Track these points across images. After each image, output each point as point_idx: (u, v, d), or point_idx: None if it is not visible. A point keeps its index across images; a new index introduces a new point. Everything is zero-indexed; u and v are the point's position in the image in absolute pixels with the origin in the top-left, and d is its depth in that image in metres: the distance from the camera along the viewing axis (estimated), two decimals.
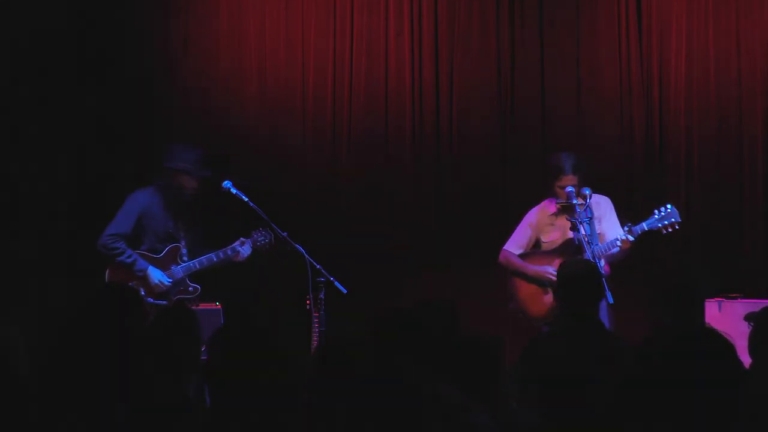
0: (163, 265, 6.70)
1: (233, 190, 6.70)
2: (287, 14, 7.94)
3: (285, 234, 6.65)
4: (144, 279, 6.59)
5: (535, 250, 6.83)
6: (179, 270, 6.71)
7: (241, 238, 6.77)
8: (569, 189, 6.58)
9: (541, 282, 6.69)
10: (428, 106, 7.94)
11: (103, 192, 7.66)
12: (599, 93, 7.89)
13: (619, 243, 6.51)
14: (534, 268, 6.71)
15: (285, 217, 6.98)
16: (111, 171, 7.68)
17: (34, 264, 7.52)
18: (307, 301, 6.52)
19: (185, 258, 6.75)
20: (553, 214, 6.80)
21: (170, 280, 6.67)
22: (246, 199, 6.66)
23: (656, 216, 6.58)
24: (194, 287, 6.75)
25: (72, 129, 7.71)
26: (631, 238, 6.50)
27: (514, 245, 6.85)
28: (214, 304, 6.86)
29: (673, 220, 6.57)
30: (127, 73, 7.78)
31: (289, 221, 6.90)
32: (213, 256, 6.75)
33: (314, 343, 6.45)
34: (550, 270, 6.57)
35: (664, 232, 6.59)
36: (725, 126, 7.82)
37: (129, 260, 6.58)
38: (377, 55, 7.92)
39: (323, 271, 6.51)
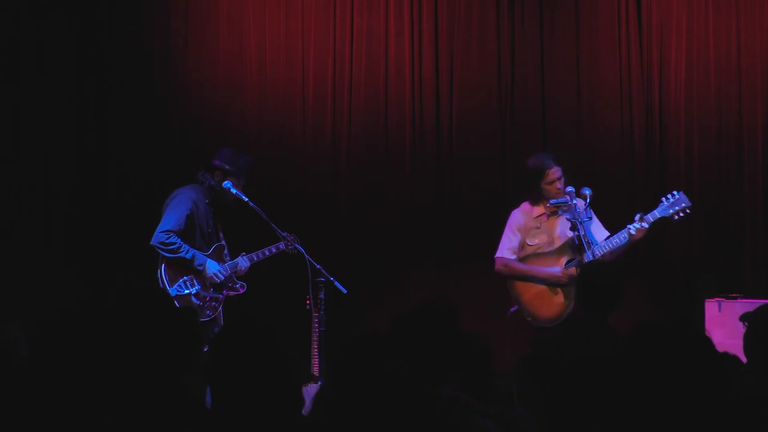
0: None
1: (233, 190, 6.66)
2: (287, 14, 7.93)
3: (285, 234, 6.66)
4: (202, 272, 6.55)
5: (534, 253, 6.62)
6: (227, 267, 6.68)
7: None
8: (570, 189, 6.53)
9: (549, 283, 6.55)
10: (428, 106, 7.94)
11: (102, 191, 7.68)
12: (599, 92, 7.89)
13: (632, 232, 6.38)
14: (546, 270, 6.54)
15: (285, 217, 6.99)
16: (110, 170, 7.69)
17: (37, 259, 7.53)
18: (307, 301, 6.53)
19: (228, 258, 6.72)
20: (538, 216, 6.64)
21: (224, 273, 6.63)
22: (246, 199, 6.64)
23: (665, 203, 6.51)
24: (241, 284, 6.73)
25: (71, 128, 7.71)
26: (645, 226, 6.40)
27: (508, 252, 6.65)
28: None
29: (683, 204, 6.51)
30: (127, 73, 7.78)
31: (289, 221, 6.91)
32: (260, 253, 6.76)
33: (314, 343, 6.46)
34: (558, 271, 6.52)
35: (675, 217, 6.51)
36: (725, 125, 7.83)
37: (188, 255, 6.50)
38: (377, 55, 7.92)
39: (323, 271, 6.50)
